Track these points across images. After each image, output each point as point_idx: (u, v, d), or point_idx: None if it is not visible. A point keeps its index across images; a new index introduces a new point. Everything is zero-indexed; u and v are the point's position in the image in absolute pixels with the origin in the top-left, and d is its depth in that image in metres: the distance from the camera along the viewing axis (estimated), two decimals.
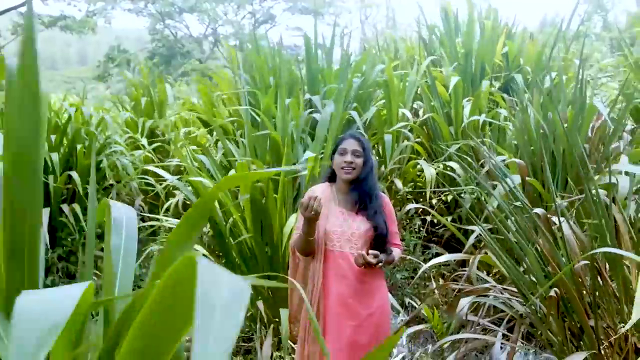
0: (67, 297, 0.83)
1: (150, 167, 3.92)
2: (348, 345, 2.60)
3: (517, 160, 3.50)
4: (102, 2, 25.82)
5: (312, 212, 2.41)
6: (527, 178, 3.40)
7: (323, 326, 2.64)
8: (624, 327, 2.45)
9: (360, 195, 2.66)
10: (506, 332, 3.26)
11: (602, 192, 2.86)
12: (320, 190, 2.71)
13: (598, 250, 2.18)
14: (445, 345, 3.41)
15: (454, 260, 4.53)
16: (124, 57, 24.33)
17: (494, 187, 3.69)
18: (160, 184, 5.37)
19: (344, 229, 2.62)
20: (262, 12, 29.07)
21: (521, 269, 2.90)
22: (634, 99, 4.23)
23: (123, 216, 1.49)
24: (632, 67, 5.37)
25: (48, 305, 0.81)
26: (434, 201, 4.86)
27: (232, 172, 4.58)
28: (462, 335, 3.23)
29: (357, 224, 2.64)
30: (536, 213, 2.66)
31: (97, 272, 4.80)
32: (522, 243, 2.71)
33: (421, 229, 4.76)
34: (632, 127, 4.05)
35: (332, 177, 2.78)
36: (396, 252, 2.74)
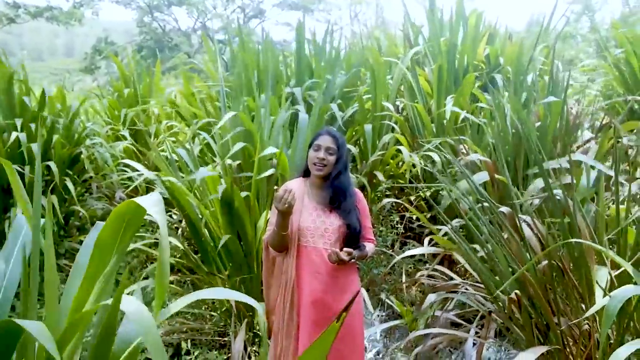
0: None
1: (127, 162, 3.88)
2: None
3: (485, 158, 3.53)
4: None
5: (286, 205, 2.42)
6: (496, 176, 3.43)
7: (297, 320, 2.65)
8: (587, 322, 2.49)
9: (335, 192, 2.67)
10: (478, 330, 3.30)
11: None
12: (295, 185, 2.72)
13: (556, 245, 2.21)
14: (418, 341, 3.44)
15: (433, 255, 4.59)
16: (111, 49, 24.11)
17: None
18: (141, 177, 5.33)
19: (317, 225, 2.63)
20: (252, 7, 28.93)
21: (488, 267, 2.92)
22: (610, 98, 4.29)
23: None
24: (611, 69, 5.44)
25: None
26: (412, 197, 4.89)
27: (209, 166, 4.58)
28: (430, 330, 3.26)
29: (331, 220, 2.65)
30: (502, 212, 2.69)
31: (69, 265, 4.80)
32: (491, 241, 2.74)
33: (399, 224, 4.79)
34: (600, 124, 4.09)
35: (306, 172, 2.79)
36: (370, 247, 2.75)
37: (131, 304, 1.05)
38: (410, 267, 4.45)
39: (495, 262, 2.68)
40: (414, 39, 6.55)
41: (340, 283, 2.68)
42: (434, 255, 4.38)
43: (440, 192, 4.64)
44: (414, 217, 4.89)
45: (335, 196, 2.67)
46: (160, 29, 27.16)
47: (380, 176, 4.81)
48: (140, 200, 1.19)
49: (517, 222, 2.51)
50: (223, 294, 1.20)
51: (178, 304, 1.25)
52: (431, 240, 4.96)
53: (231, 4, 28.12)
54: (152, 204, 1.18)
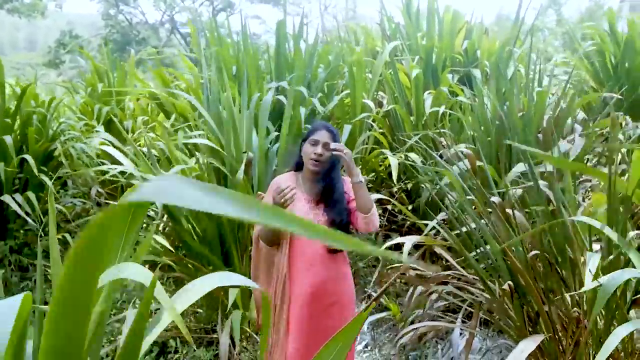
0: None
1: (108, 149, 3.79)
2: (313, 332, 2.62)
3: (465, 149, 3.58)
4: None
5: (282, 200, 2.40)
6: (477, 164, 3.49)
7: (287, 313, 2.65)
8: (577, 312, 2.56)
9: (325, 187, 2.67)
10: (464, 319, 3.36)
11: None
12: (286, 180, 2.71)
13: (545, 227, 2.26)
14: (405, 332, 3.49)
15: (415, 248, 4.64)
16: (75, 42, 23.54)
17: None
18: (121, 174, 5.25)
19: (310, 218, 2.63)
20: (220, 0, 28.63)
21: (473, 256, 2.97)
22: (582, 90, 4.40)
23: None
24: (583, 62, 5.57)
25: None
26: (394, 189, 4.93)
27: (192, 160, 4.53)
28: (420, 324, 3.30)
29: (322, 213, 2.66)
30: (492, 201, 2.74)
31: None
32: (483, 231, 2.79)
33: (381, 217, 4.83)
34: (583, 117, 4.21)
35: (298, 166, 2.78)
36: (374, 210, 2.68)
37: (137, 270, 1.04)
38: (394, 260, 4.49)
39: (487, 252, 2.73)
40: (392, 34, 6.58)
41: (333, 275, 2.69)
42: (416, 248, 4.45)
43: (421, 185, 4.69)
44: (396, 209, 4.94)
45: (324, 191, 2.67)
46: (126, 22, 26.62)
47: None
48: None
49: (511, 211, 2.54)
50: (234, 279, 1.18)
51: (191, 296, 1.22)
52: (411, 232, 5.05)
53: None
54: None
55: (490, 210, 2.78)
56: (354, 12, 27.61)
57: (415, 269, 3.95)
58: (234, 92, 4.77)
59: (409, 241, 2.87)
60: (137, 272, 1.11)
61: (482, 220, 2.84)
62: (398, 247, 4.28)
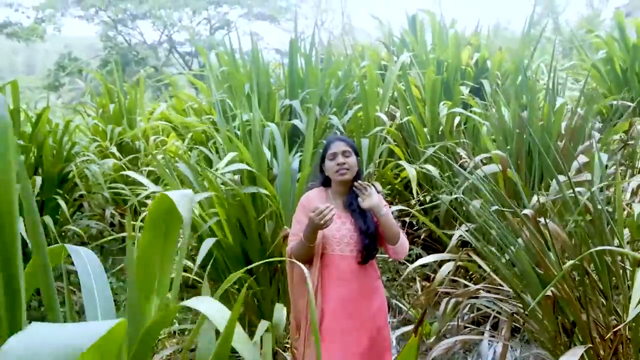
0: (82, 336, 0.73)
1: (128, 173, 3.79)
2: (348, 347, 2.60)
3: (498, 152, 3.58)
4: (51, 8, 25.06)
5: (322, 222, 2.39)
6: (508, 171, 3.48)
7: (321, 330, 2.63)
8: (616, 320, 2.55)
9: (351, 195, 2.67)
10: (491, 331, 3.34)
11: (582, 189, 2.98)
12: (317, 196, 2.71)
13: (596, 249, 2.26)
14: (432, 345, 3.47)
15: (434, 261, 4.63)
16: (75, 65, 23.63)
17: (476, 188, 3.77)
18: (134, 194, 5.25)
19: (343, 233, 2.62)
20: (218, 18, 28.83)
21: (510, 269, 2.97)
22: (595, 100, 4.43)
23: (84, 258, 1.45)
24: (593, 70, 5.61)
25: (53, 346, 0.69)
26: (412, 203, 4.93)
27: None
28: (450, 340, 3.27)
29: (350, 221, 2.65)
30: (525, 214, 2.73)
31: (72, 288, 4.65)
32: (512, 242, 2.78)
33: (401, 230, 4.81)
34: (600, 125, 4.23)
35: (325, 182, 2.78)
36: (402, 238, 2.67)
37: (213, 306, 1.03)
38: (417, 272, 4.48)
39: (519, 263, 2.72)
40: (398, 49, 6.64)
41: (366, 289, 2.68)
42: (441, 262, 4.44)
43: (439, 196, 4.69)
44: (414, 221, 4.94)
45: (351, 200, 2.67)
46: (125, 43, 26.76)
47: (378, 186, 4.82)
48: (169, 193, 1.18)
49: (544, 221, 2.54)
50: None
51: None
52: (428, 243, 5.05)
53: (197, 16, 27.96)
54: (179, 196, 1.18)
55: (520, 219, 2.77)
56: (350, 26, 27.80)
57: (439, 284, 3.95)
58: (248, 110, 4.79)
59: (446, 266, 2.84)
60: (211, 308, 1.09)
61: (502, 230, 2.84)
62: (418, 256, 4.29)
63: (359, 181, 2.56)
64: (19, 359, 0.65)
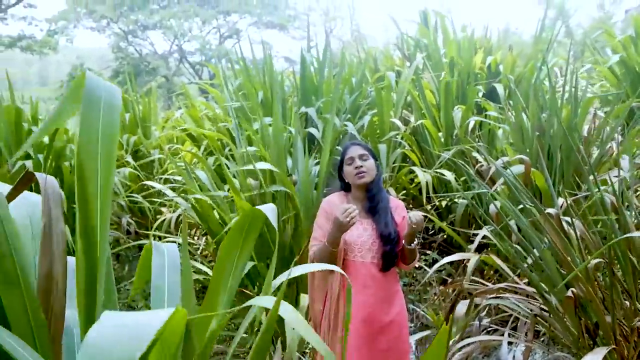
0: (148, 324, 0.79)
1: (149, 183, 3.84)
2: (370, 353, 2.60)
3: (523, 156, 3.57)
4: (64, 20, 25.42)
5: (348, 219, 2.39)
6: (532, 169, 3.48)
7: (341, 335, 2.63)
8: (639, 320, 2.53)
9: (370, 199, 2.68)
10: (511, 332, 3.32)
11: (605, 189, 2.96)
12: (337, 200, 2.72)
13: (616, 240, 2.25)
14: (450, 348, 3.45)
15: (450, 264, 4.62)
16: None
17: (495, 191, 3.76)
18: (149, 201, 5.30)
19: (365, 239, 2.62)
20: (227, 27, 29.06)
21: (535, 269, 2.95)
22: (612, 102, 4.42)
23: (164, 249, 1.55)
24: (608, 73, 5.58)
25: (126, 332, 0.77)
26: (427, 207, 4.93)
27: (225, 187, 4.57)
28: (470, 340, 3.26)
29: (372, 227, 2.66)
30: (548, 213, 2.72)
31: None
32: (536, 242, 2.77)
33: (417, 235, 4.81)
34: (621, 126, 4.21)
35: (346, 188, 2.79)
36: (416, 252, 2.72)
37: (286, 307, 1.07)
38: (434, 276, 4.47)
39: (543, 264, 2.71)
40: (412, 54, 6.65)
41: (387, 295, 2.68)
42: (456, 266, 4.43)
43: (455, 201, 4.69)
44: (429, 226, 4.94)
45: (371, 205, 2.68)
46: (136, 54, 27.04)
47: (392, 192, 4.83)
48: (260, 208, 1.24)
49: (571, 221, 2.53)
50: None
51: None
52: (444, 247, 5.04)
53: (207, 26, 28.20)
54: (269, 210, 1.23)
55: (545, 218, 2.76)
56: (359, 32, 27.85)
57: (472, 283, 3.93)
58: (262, 117, 4.83)
59: (473, 258, 2.84)
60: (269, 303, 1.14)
61: (528, 229, 2.83)
62: (435, 261, 4.28)
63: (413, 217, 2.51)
64: (98, 349, 0.72)
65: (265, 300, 1.08)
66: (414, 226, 2.47)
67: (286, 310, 1.05)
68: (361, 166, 2.64)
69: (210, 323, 1.26)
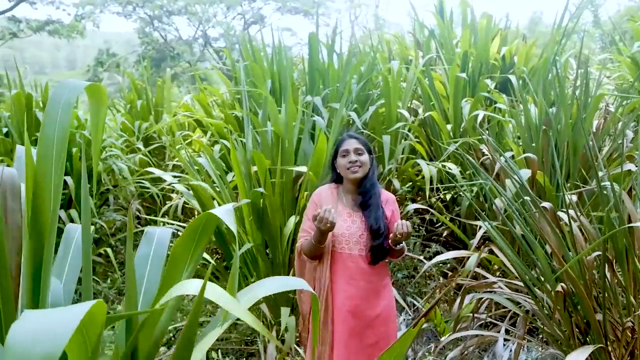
0: (68, 319, 0.81)
1: (150, 169, 3.88)
2: (358, 345, 2.60)
3: (530, 155, 3.50)
4: (90, 5, 25.69)
5: (329, 225, 2.41)
6: (537, 171, 3.41)
7: (331, 327, 2.64)
8: (631, 320, 2.47)
9: (362, 193, 2.67)
10: (509, 328, 3.27)
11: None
12: (327, 192, 2.71)
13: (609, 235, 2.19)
14: (447, 343, 3.43)
15: (453, 258, 4.56)
16: (113, 60, 24.19)
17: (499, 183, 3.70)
18: (158, 187, 5.35)
19: (353, 231, 2.62)
20: (252, 13, 29.00)
21: (526, 264, 2.91)
22: (629, 94, 4.28)
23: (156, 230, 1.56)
24: (628, 63, 5.41)
25: (46, 329, 0.79)
26: (432, 200, 4.87)
27: (230, 174, 4.59)
28: (464, 333, 3.23)
29: (361, 220, 2.64)
30: (544, 207, 2.66)
31: (96, 278, 4.79)
32: (529, 237, 2.72)
33: (420, 227, 4.77)
34: (635, 122, 4.08)
35: (337, 179, 2.77)
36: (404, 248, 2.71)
37: (215, 290, 1.08)
38: (435, 270, 4.43)
39: (534, 259, 2.66)
40: (425, 42, 6.54)
41: (375, 288, 2.67)
42: (459, 260, 4.38)
43: (461, 194, 4.62)
44: (435, 219, 4.89)
45: (363, 200, 2.66)
46: (161, 39, 27.22)
47: (396, 184, 4.78)
48: (214, 211, 1.23)
49: (567, 216, 2.48)
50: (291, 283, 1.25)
51: (259, 292, 1.27)
52: (449, 241, 4.98)
53: (232, 11, 28.21)
54: (224, 213, 1.23)
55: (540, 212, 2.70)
56: (384, 20, 27.54)
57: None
58: (272, 106, 4.82)
59: (473, 257, 2.80)
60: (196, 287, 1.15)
61: (521, 224, 2.77)
62: (437, 253, 4.23)
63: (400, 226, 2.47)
64: (21, 346, 0.75)
65: (192, 285, 1.09)
66: (399, 235, 2.45)
67: (214, 291, 1.06)
68: (355, 160, 2.63)
69: (159, 320, 1.26)
